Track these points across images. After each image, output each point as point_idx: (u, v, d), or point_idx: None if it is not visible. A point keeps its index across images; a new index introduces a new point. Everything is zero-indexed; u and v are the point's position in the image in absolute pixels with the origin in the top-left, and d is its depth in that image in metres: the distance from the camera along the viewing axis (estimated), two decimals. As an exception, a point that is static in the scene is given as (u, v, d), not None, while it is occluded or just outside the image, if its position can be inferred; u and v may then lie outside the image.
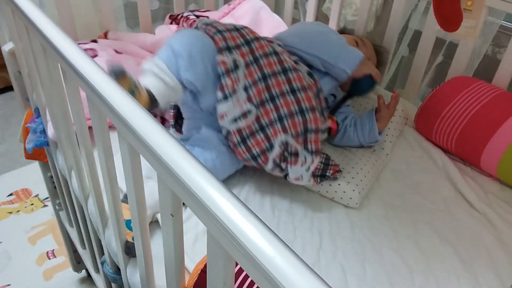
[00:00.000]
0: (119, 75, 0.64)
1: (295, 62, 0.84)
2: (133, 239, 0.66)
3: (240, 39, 0.79)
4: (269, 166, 0.76)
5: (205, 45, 0.76)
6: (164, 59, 0.74)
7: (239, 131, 0.75)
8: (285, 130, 0.76)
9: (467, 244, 0.76)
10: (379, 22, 1.32)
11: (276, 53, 0.81)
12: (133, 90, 0.66)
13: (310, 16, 1.31)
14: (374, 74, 0.90)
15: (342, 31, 1.11)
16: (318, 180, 0.78)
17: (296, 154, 0.75)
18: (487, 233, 0.78)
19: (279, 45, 0.86)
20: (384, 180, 0.89)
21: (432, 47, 1.08)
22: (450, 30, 0.65)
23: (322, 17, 1.45)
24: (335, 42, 0.89)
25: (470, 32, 0.66)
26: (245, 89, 0.76)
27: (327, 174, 0.79)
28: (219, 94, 0.75)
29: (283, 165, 0.76)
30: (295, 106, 0.77)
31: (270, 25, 1.21)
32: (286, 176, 0.77)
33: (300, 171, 0.75)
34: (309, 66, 0.89)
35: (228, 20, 1.16)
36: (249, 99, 0.76)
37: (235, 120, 0.75)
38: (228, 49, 0.77)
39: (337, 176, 0.81)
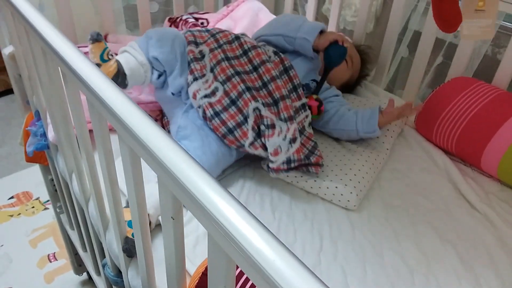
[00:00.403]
0: (95, 39, 0.77)
1: (258, 45, 0.90)
2: (132, 235, 0.66)
3: (208, 36, 0.90)
4: (249, 140, 0.79)
5: (177, 35, 0.86)
6: (138, 42, 0.84)
7: (211, 105, 0.81)
8: (254, 98, 0.81)
9: (467, 245, 0.76)
10: (379, 23, 1.33)
11: (237, 38, 0.90)
12: (102, 56, 0.76)
13: (309, 17, 1.31)
14: (339, 39, 0.92)
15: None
16: (296, 165, 0.80)
17: (272, 126, 0.79)
18: (488, 234, 0.78)
19: (246, 36, 0.94)
20: (384, 180, 0.89)
21: (432, 48, 1.08)
22: (450, 31, 0.65)
23: (321, 18, 1.45)
24: (295, 19, 0.97)
25: (487, 31, 0.67)
26: (211, 69, 0.84)
27: (310, 160, 0.81)
28: (189, 77, 0.83)
29: (262, 140, 0.80)
30: (258, 82, 0.84)
31: (269, 27, 1.21)
32: (268, 166, 0.80)
33: (277, 142, 0.78)
34: (276, 47, 0.95)
35: (227, 22, 1.16)
36: (215, 77, 0.82)
37: (206, 96, 0.81)
38: (196, 43, 0.87)
39: (318, 171, 0.83)
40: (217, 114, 0.80)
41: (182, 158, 0.38)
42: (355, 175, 0.83)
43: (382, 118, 0.89)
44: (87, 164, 0.68)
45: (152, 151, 0.40)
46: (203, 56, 0.86)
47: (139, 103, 0.93)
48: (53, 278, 1.39)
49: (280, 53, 0.91)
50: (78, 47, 1.01)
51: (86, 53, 0.96)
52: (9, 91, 2.12)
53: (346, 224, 0.77)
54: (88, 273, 1.37)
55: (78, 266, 1.34)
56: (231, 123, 0.80)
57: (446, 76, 1.08)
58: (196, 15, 1.19)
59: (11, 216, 1.59)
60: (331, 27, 1.25)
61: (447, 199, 0.86)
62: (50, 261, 1.44)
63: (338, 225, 0.77)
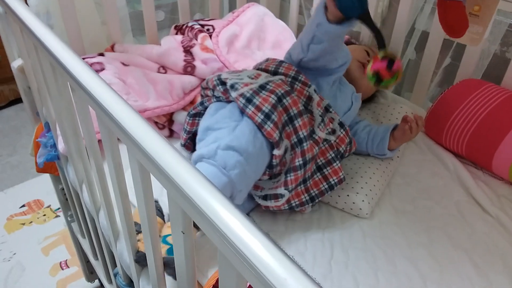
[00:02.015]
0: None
1: (329, 114, 0.82)
2: (167, 252, 0.66)
3: (284, 116, 0.75)
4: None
5: (262, 148, 0.72)
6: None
7: (266, 207, 0.76)
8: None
9: (480, 250, 0.75)
10: (385, 24, 1.32)
11: (306, 108, 0.79)
12: None
13: (315, 21, 1.31)
14: None
15: (350, 41, 1.11)
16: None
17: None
18: (501, 238, 0.77)
19: (315, 91, 0.82)
20: (395, 186, 0.89)
21: (440, 49, 1.07)
22: (456, 36, 0.64)
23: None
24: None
25: (475, 38, 0.64)
26: (285, 173, 0.75)
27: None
28: (264, 177, 0.75)
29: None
30: (324, 184, 0.78)
31: (275, 31, 1.21)
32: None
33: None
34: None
35: (232, 28, 1.16)
36: (286, 183, 0.74)
37: (265, 198, 0.75)
38: (281, 138, 0.73)
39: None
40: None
41: (191, 174, 0.38)
42: (366, 183, 0.82)
43: (393, 142, 0.87)
44: (97, 176, 0.69)
45: (162, 167, 0.40)
46: (285, 152, 0.75)
47: (146, 110, 0.93)
48: (65, 286, 1.40)
49: (344, 125, 0.83)
50: (85, 57, 1.03)
51: (92, 64, 0.98)
52: (19, 100, 2.15)
53: (357, 231, 0.77)
54: (99, 280, 1.38)
55: (90, 273, 1.35)
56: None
57: (455, 78, 1.07)
58: (202, 22, 1.19)
59: (23, 224, 1.60)
60: (337, 30, 1.24)
61: (459, 203, 0.85)
62: (62, 269, 1.45)
63: (349, 233, 0.76)
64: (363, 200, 0.79)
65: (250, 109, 0.72)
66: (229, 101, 0.79)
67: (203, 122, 0.79)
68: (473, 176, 0.90)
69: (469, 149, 0.92)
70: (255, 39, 1.17)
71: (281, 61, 0.86)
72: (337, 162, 0.79)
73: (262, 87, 0.75)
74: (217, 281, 0.56)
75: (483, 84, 0.96)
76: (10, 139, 2.01)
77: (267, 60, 0.89)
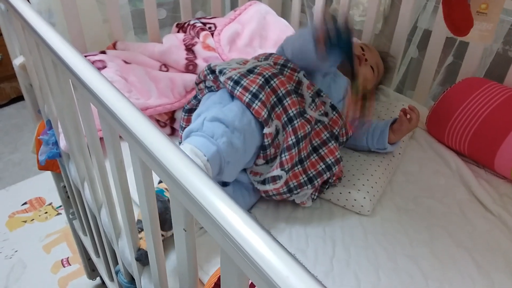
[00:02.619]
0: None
1: (320, 98, 0.82)
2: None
3: (272, 97, 0.76)
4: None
5: (250, 125, 0.73)
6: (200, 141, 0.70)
7: (266, 191, 0.76)
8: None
9: (482, 248, 0.74)
10: (387, 22, 1.31)
11: (296, 90, 0.80)
12: None
13: (317, 18, 1.30)
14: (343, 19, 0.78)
15: None
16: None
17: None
18: (503, 237, 0.77)
19: (304, 76, 0.82)
20: (397, 183, 0.88)
21: (442, 47, 1.06)
22: (460, 35, 0.64)
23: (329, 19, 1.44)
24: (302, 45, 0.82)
25: (485, 36, 0.64)
26: (280, 154, 0.75)
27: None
28: (260, 161, 0.75)
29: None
30: (320, 164, 0.78)
31: (277, 29, 1.21)
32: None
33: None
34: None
35: (234, 26, 1.16)
36: (281, 164, 0.74)
37: (264, 182, 0.75)
38: (270, 116, 0.74)
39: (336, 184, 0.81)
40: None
41: (193, 171, 0.38)
42: (367, 180, 0.82)
43: (393, 136, 0.88)
44: (99, 173, 0.69)
45: (163, 165, 0.40)
46: (277, 133, 0.75)
47: (148, 108, 0.93)
48: (67, 283, 1.40)
49: (336, 107, 0.84)
50: (87, 55, 1.03)
51: (94, 62, 0.98)
52: (21, 97, 2.15)
53: (359, 229, 0.77)
54: (101, 277, 1.38)
55: (91, 271, 1.36)
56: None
57: (458, 76, 1.06)
58: (203, 20, 1.19)
59: (25, 222, 1.61)
60: (339, 28, 1.24)
61: (461, 202, 0.85)
62: (64, 266, 1.46)
63: (351, 231, 0.76)
64: (364, 197, 0.79)
65: (238, 90, 0.74)
66: (220, 88, 0.81)
67: (196, 111, 0.80)
68: (475, 174, 0.90)
69: (471, 148, 0.92)
70: (257, 37, 1.16)
71: (271, 53, 0.88)
72: (332, 142, 0.80)
73: (250, 71, 0.78)
74: (219, 278, 0.56)
75: (486, 82, 0.96)
76: (11, 137, 2.02)
77: (260, 54, 0.91)
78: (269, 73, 0.77)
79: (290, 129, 0.75)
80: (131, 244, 0.66)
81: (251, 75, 0.76)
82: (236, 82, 0.75)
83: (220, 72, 0.78)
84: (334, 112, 0.83)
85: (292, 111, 0.76)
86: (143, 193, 0.51)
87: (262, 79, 0.75)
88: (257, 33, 1.17)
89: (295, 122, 0.75)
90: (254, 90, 0.73)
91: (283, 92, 0.76)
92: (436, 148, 0.99)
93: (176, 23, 1.21)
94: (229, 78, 0.76)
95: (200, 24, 1.16)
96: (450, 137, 0.95)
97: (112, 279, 1.07)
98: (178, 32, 1.19)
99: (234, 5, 1.67)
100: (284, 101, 0.76)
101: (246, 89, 0.73)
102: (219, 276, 0.56)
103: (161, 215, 0.64)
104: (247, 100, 0.73)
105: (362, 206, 0.79)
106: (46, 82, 0.78)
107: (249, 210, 0.80)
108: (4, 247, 1.50)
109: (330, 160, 0.78)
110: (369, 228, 0.77)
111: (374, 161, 0.88)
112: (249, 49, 1.13)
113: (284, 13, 1.47)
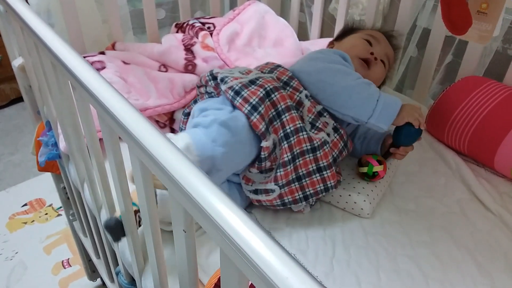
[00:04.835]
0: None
1: (323, 119, 0.80)
2: (120, 217, 0.66)
3: (271, 110, 0.75)
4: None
5: (254, 138, 0.73)
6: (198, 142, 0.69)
7: (258, 201, 0.76)
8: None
9: (483, 248, 0.74)
10: (387, 21, 1.31)
11: (299, 106, 0.78)
12: None
13: (316, 18, 1.31)
14: (413, 121, 0.77)
15: (351, 28, 1.04)
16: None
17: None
18: (503, 236, 0.77)
19: (306, 96, 0.80)
20: (396, 184, 0.88)
21: (442, 46, 1.06)
22: (459, 33, 0.63)
23: (328, 18, 1.44)
24: (364, 95, 0.77)
25: (484, 36, 0.64)
26: (276, 169, 0.74)
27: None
28: (254, 170, 0.75)
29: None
30: (320, 185, 0.76)
31: (276, 29, 1.21)
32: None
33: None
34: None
35: (233, 25, 1.16)
36: (276, 179, 0.74)
37: (256, 192, 0.75)
38: (267, 130, 0.73)
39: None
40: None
41: (193, 173, 0.38)
42: (367, 183, 0.82)
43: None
44: (99, 174, 0.69)
45: (163, 166, 0.40)
46: (274, 147, 0.75)
47: (147, 109, 0.93)
48: (67, 284, 1.40)
49: (339, 129, 0.81)
50: (86, 56, 1.03)
51: (93, 63, 0.98)
52: (20, 99, 2.15)
53: (359, 230, 0.77)
54: (102, 278, 1.38)
55: (92, 272, 1.36)
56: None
57: (457, 75, 1.06)
58: (202, 20, 1.19)
59: (25, 223, 1.61)
60: (338, 27, 1.24)
61: (461, 201, 0.85)
62: (64, 267, 1.46)
63: (351, 231, 0.76)
64: (364, 200, 0.79)
65: (238, 101, 0.73)
66: (220, 95, 0.81)
67: (197, 106, 0.79)
68: (475, 173, 0.90)
69: (471, 147, 0.92)
70: (256, 37, 1.16)
71: (278, 66, 0.86)
72: (335, 166, 0.79)
73: (252, 81, 0.77)
74: (219, 279, 0.56)
75: (485, 81, 0.96)
76: (11, 138, 2.02)
77: (267, 63, 0.89)
78: (271, 86, 0.76)
79: (286, 145, 0.74)
80: (131, 244, 0.66)
81: (253, 86, 0.75)
82: (237, 92, 0.74)
83: (222, 80, 0.78)
84: (336, 135, 0.81)
85: (290, 127, 0.74)
86: (142, 193, 0.51)
87: (263, 92, 0.74)
88: (256, 32, 1.17)
89: (291, 139, 0.74)
90: (254, 102, 0.72)
91: (283, 107, 0.75)
92: (435, 148, 0.98)
93: (175, 23, 1.21)
94: (230, 88, 0.75)
95: (199, 24, 1.16)
96: (450, 136, 0.95)
97: (112, 280, 1.07)
98: (177, 32, 1.19)
99: (233, 5, 1.67)
100: (283, 116, 0.75)
101: (246, 100, 0.73)
102: (219, 277, 0.56)
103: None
104: (246, 111, 0.72)
105: (362, 209, 0.79)
106: (45, 83, 0.78)
107: (249, 211, 0.80)
108: (4, 248, 1.50)
109: (330, 183, 0.76)
110: (369, 228, 0.77)
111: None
112: (248, 48, 1.12)
113: (283, 12, 1.47)
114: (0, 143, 1.98)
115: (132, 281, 0.83)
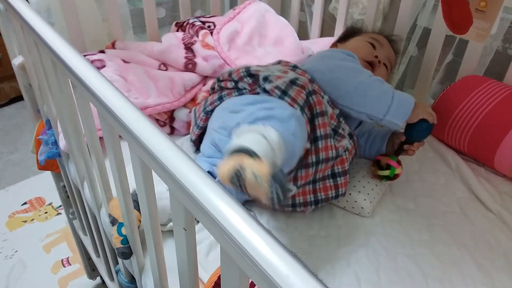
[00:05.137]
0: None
1: (340, 124, 0.80)
2: (121, 243, 0.67)
3: (307, 113, 0.75)
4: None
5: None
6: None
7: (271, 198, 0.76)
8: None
9: (483, 247, 0.74)
10: (387, 20, 1.31)
11: (333, 134, 0.78)
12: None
13: (316, 17, 1.31)
14: (428, 117, 0.79)
15: (354, 30, 1.05)
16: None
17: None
18: (503, 235, 0.77)
19: (328, 102, 0.79)
20: (397, 183, 0.88)
21: (442, 45, 1.06)
22: (460, 33, 0.63)
23: (328, 17, 1.44)
24: (382, 94, 0.78)
25: (482, 34, 0.64)
26: (297, 169, 0.74)
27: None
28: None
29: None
30: (332, 191, 0.77)
31: (276, 28, 1.21)
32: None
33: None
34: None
35: (233, 24, 1.16)
36: (295, 179, 0.74)
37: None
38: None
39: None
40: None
41: (193, 171, 0.38)
42: (368, 182, 0.82)
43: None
44: (99, 173, 0.69)
45: (163, 164, 0.40)
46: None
47: (147, 107, 0.93)
48: (67, 283, 1.40)
49: (353, 136, 0.82)
50: (86, 55, 1.03)
51: (93, 61, 0.97)
52: (20, 97, 2.15)
53: (359, 229, 0.77)
54: (101, 277, 1.38)
55: (92, 270, 1.36)
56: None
57: (457, 74, 1.06)
58: (202, 19, 1.19)
59: (25, 222, 1.61)
60: (339, 26, 1.24)
61: (460, 201, 0.85)
62: (64, 266, 1.46)
63: (351, 230, 0.76)
64: (365, 199, 0.79)
65: (287, 100, 0.72)
66: (255, 93, 0.78)
67: (236, 102, 0.76)
68: (475, 173, 0.90)
69: (471, 146, 0.92)
70: (256, 35, 1.16)
71: (295, 66, 0.85)
72: (348, 174, 0.79)
73: (293, 81, 0.75)
74: (219, 277, 0.56)
75: (485, 81, 0.96)
76: (11, 137, 2.01)
77: (280, 63, 0.88)
78: (310, 89, 0.75)
79: (313, 148, 0.74)
80: (133, 243, 0.66)
81: (295, 86, 0.74)
82: (284, 92, 0.73)
83: (265, 79, 0.76)
84: (351, 141, 0.81)
85: (320, 131, 0.74)
86: (143, 192, 0.51)
87: (305, 93, 0.74)
88: (257, 31, 1.17)
89: (319, 142, 0.74)
90: (301, 103, 0.72)
91: (318, 111, 0.75)
92: (435, 147, 0.98)
93: (175, 22, 1.21)
94: (276, 87, 0.74)
95: (199, 23, 1.16)
96: (450, 135, 0.95)
97: (112, 279, 1.07)
98: (177, 31, 1.19)
99: (233, 3, 1.67)
100: (316, 120, 0.75)
101: (294, 100, 0.72)
102: (219, 275, 0.56)
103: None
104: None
105: (362, 208, 0.79)
106: (45, 81, 0.78)
107: (248, 208, 0.80)
108: (4, 247, 1.50)
109: (342, 190, 0.77)
110: (369, 228, 0.77)
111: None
112: (248, 47, 1.12)
113: (283, 11, 1.47)
114: (-1, 142, 1.98)
115: (132, 279, 0.83)
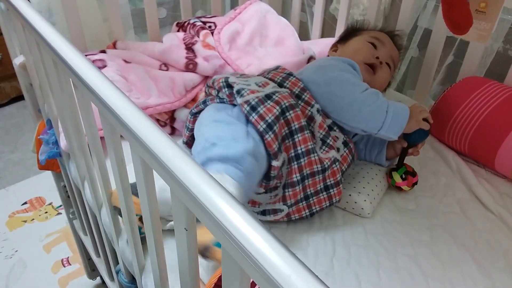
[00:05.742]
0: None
1: (333, 133, 0.80)
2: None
3: (284, 129, 0.74)
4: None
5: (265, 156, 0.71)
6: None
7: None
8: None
9: (483, 248, 0.75)
10: (388, 21, 1.31)
11: (308, 124, 0.77)
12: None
13: (317, 18, 1.31)
14: (423, 127, 0.79)
15: (354, 29, 1.03)
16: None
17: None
18: (504, 236, 0.77)
19: (318, 111, 0.79)
20: (397, 183, 0.88)
21: (443, 46, 1.06)
22: (460, 33, 0.63)
23: (329, 18, 1.44)
24: (373, 108, 0.77)
25: (483, 35, 0.64)
26: (283, 188, 0.74)
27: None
28: (260, 189, 0.74)
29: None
30: (326, 202, 0.77)
31: (277, 28, 1.21)
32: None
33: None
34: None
35: (234, 24, 1.16)
36: (284, 199, 0.74)
37: (264, 213, 0.75)
38: (280, 150, 0.72)
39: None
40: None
41: (194, 170, 0.38)
42: (368, 183, 0.82)
43: (393, 151, 0.87)
44: (99, 173, 0.69)
45: (164, 164, 0.40)
46: (283, 164, 0.74)
47: (148, 107, 0.93)
48: (67, 283, 1.40)
49: (348, 144, 0.81)
50: (87, 54, 1.03)
51: (94, 61, 0.98)
52: (21, 97, 2.15)
53: (359, 229, 0.77)
54: (101, 277, 1.38)
55: (92, 270, 1.36)
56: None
57: (458, 75, 1.06)
58: (203, 19, 1.19)
59: (25, 221, 1.61)
60: (339, 27, 1.24)
61: (461, 201, 0.85)
62: (64, 266, 1.46)
63: (351, 230, 0.76)
64: (365, 200, 0.79)
65: (254, 117, 0.72)
66: (233, 105, 0.78)
67: (207, 114, 0.78)
68: (475, 174, 0.90)
69: (471, 147, 0.92)
70: (257, 36, 1.16)
71: (290, 74, 0.84)
72: (342, 183, 0.79)
73: (268, 96, 0.74)
74: (219, 279, 0.56)
75: (486, 81, 0.96)
76: (11, 136, 2.01)
77: (277, 68, 0.87)
78: (287, 104, 0.74)
79: (296, 166, 0.73)
80: (132, 243, 0.66)
81: (269, 101, 0.73)
82: (253, 108, 0.72)
83: (238, 92, 0.75)
84: (345, 149, 0.80)
85: (301, 148, 0.74)
86: (144, 192, 0.51)
87: (279, 110, 0.72)
88: (257, 32, 1.17)
89: (301, 160, 0.74)
90: (269, 121, 0.71)
91: (297, 126, 0.74)
92: (436, 148, 0.98)
93: (176, 22, 1.21)
94: (246, 102, 0.73)
95: (200, 23, 1.16)
96: (451, 136, 0.95)
97: (112, 279, 1.07)
98: (178, 31, 1.19)
99: (234, 4, 1.67)
100: (295, 136, 0.74)
101: (262, 117, 0.71)
102: (219, 276, 0.56)
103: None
104: (261, 129, 0.71)
105: (362, 208, 0.79)
106: (46, 81, 0.78)
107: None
108: (4, 247, 1.50)
109: (336, 199, 0.77)
110: (369, 228, 0.77)
111: (375, 165, 0.88)
112: (249, 47, 1.12)
113: (284, 12, 1.47)
114: (0, 141, 1.98)
115: (133, 279, 0.83)
